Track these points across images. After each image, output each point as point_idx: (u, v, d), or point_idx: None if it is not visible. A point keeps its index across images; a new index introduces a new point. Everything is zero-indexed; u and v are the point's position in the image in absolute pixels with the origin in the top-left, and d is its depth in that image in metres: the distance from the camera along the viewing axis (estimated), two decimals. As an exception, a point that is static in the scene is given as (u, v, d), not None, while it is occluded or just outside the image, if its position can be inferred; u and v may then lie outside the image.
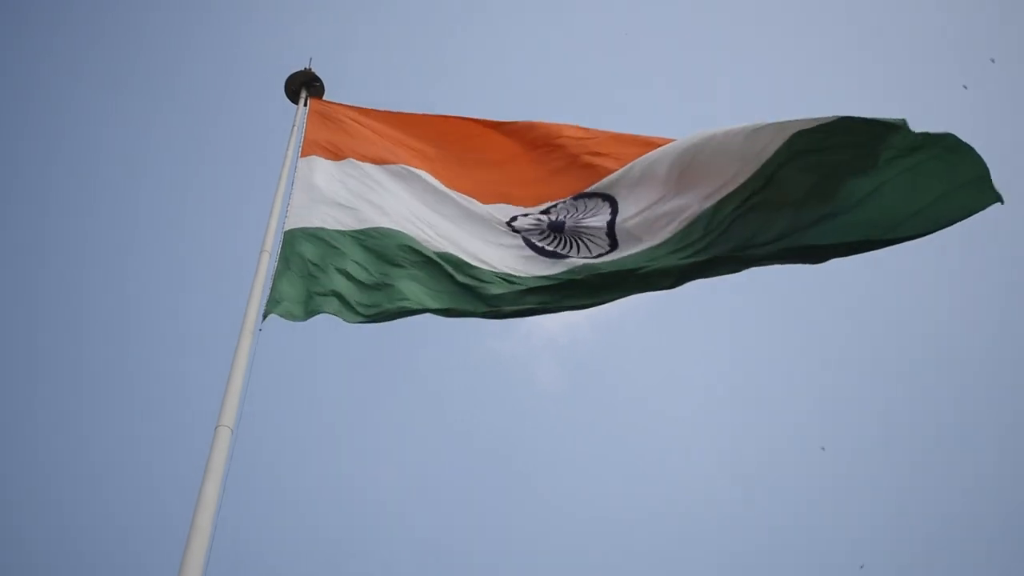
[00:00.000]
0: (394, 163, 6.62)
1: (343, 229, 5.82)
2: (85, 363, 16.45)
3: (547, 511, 15.96)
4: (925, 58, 19.42)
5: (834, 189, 4.77)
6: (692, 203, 5.33)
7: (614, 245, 5.69)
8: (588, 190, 6.12)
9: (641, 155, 5.95)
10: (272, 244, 5.59)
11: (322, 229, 5.76)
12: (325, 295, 5.28)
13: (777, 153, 4.97)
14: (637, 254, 5.42)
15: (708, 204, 5.22)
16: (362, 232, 5.79)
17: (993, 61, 15.63)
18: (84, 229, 17.95)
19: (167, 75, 19.57)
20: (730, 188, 5.16)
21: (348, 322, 5.21)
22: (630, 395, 17.95)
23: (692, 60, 22.30)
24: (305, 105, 7.28)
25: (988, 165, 4.38)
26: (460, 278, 5.49)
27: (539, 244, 5.86)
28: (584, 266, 5.52)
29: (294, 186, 6.15)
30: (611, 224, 5.78)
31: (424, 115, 7.28)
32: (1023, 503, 15.06)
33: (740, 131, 5.22)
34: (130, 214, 18.36)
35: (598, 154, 6.35)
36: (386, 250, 5.65)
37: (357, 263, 5.54)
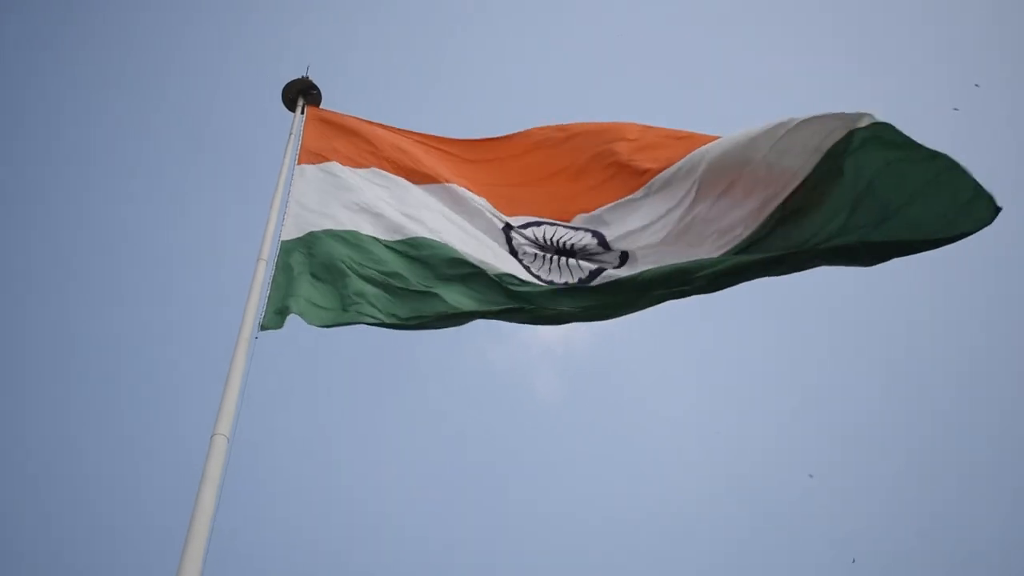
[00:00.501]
0: (391, 173, 6.64)
1: (358, 231, 5.84)
2: (80, 372, 16.42)
3: (546, 517, 15.96)
4: (913, 82, 19.47)
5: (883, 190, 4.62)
6: (744, 212, 5.21)
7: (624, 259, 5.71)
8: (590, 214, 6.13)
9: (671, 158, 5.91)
10: (269, 253, 5.58)
11: (331, 232, 5.78)
12: (344, 301, 5.27)
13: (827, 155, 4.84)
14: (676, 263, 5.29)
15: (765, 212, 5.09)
16: (403, 242, 5.80)
17: (977, 86, 15.69)
18: (78, 237, 17.92)
19: (162, 81, 19.55)
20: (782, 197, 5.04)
21: (373, 324, 5.19)
22: (627, 402, 17.97)
23: (687, 61, 22.34)
24: (302, 113, 7.28)
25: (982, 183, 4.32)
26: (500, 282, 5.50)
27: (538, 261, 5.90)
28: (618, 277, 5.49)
29: (291, 195, 6.15)
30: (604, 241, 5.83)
31: (417, 133, 7.27)
32: (1015, 500, 15.12)
33: (781, 132, 5.08)
34: (125, 222, 18.35)
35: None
36: (428, 260, 5.66)
37: (383, 271, 5.53)
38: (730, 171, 5.37)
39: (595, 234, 5.97)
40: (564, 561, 14.94)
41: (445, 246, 5.77)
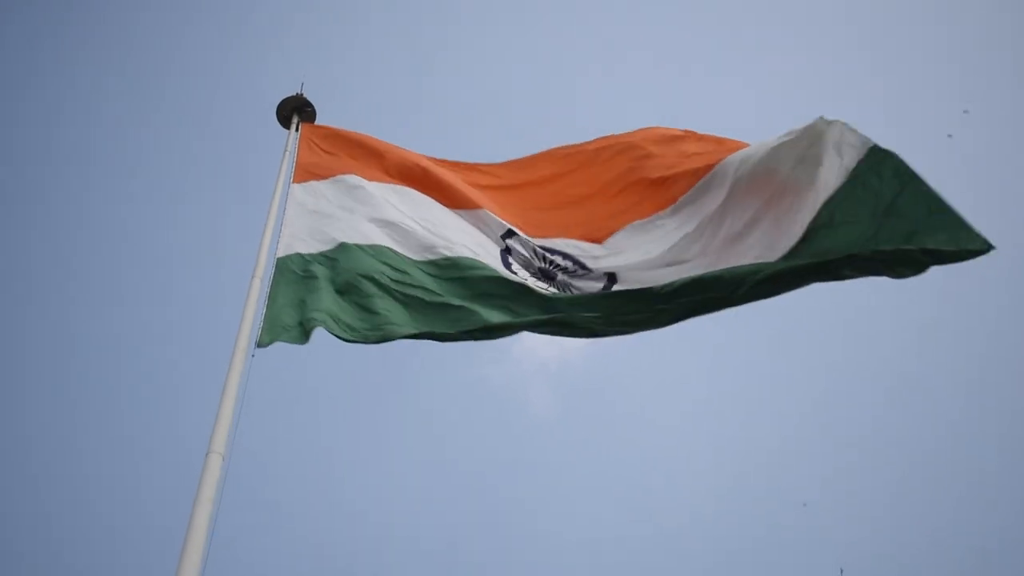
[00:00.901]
0: (389, 183, 6.66)
1: (361, 243, 5.86)
2: (74, 389, 16.38)
3: (542, 535, 15.92)
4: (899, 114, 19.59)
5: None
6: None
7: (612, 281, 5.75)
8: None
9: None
10: (264, 270, 5.58)
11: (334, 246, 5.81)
12: (326, 313, 5.27)
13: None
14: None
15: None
16: (431, 263, 5.83)
17: (967, 112, 15.79)
18: (72, 252, 17.91)
19: (156, 95, 19.61)
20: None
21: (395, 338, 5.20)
22: (623, 418, 17.95)
23: (680, 74, 22.42)
24: (296, 130, 7.30)
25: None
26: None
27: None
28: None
29: (286, 212, 6.16)
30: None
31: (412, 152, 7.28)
32: (1017, 510, 15.12)
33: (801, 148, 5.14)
34: (120, 239, 18.34)
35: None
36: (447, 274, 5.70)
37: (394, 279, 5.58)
38: (759, 184, 5.40)
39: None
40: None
41: (481, 265, 5.79)
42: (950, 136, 15.20)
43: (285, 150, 7.00)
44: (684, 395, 18.31)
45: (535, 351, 20.78)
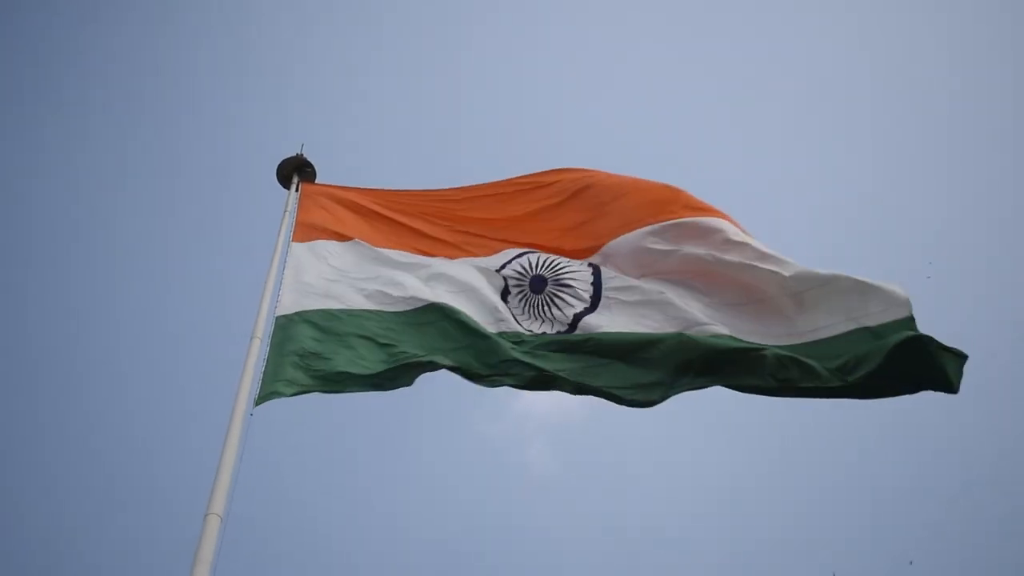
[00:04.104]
0: (388, 247, 6.71)
1: (350, 308, 5.92)
2: (76, 447, 16.28)
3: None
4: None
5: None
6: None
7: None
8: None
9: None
10: (263, 330, 5.60)
11: (323, 311, 5.83)
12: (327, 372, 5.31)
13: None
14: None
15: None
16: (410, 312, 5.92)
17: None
18: (71, 313, 17.94)
19: (157, 157, 19.81)
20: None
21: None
22: (623, 473, 17.78)
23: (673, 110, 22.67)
24: (296, 190, 7.36)
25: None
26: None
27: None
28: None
29: (286, 271, 6.19)
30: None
31: (417, 191, 7.36)
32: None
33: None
34: (119, 300, 18.40)
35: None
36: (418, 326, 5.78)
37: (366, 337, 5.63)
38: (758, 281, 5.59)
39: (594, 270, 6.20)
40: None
41: (453, 311, 5.86)
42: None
43: (285, 210, 7.05)
44: (688, 447, 18.14)
45: (535, 404, 20.69)
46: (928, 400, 4.86)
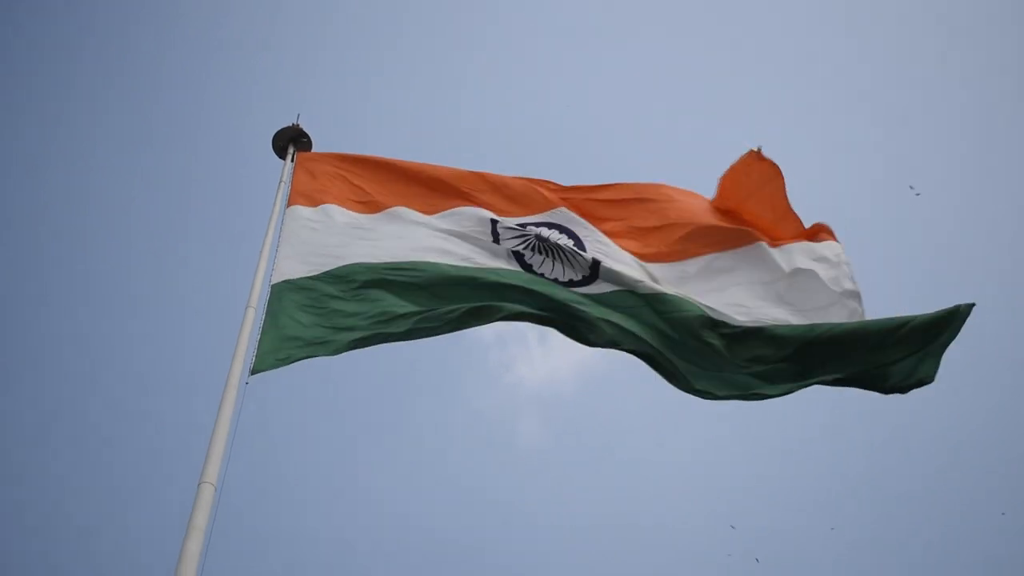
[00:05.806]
0: (386, 208, 6.68)
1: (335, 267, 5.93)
2: (70, 421, 16.31)
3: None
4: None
5: None
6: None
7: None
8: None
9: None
10: (258, 299, 5.57)
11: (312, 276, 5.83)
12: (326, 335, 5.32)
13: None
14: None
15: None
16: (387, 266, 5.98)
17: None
18: (68, 288, 17.92)
19: (152, 129, 19.73)
20: None
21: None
22: (616, 445, 17.87)
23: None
24: (292, 160, 7.29)
25: None
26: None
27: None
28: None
29: (280, 240, 6.15)
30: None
31: (413, 163, 7.30)
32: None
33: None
34: (117, 271, 18.37)
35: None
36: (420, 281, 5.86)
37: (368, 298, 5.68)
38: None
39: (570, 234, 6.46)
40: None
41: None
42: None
43: (280, 180, 6.99)
44: (681, 420, 18.22)
45: (527, 378, 20.73)
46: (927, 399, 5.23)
